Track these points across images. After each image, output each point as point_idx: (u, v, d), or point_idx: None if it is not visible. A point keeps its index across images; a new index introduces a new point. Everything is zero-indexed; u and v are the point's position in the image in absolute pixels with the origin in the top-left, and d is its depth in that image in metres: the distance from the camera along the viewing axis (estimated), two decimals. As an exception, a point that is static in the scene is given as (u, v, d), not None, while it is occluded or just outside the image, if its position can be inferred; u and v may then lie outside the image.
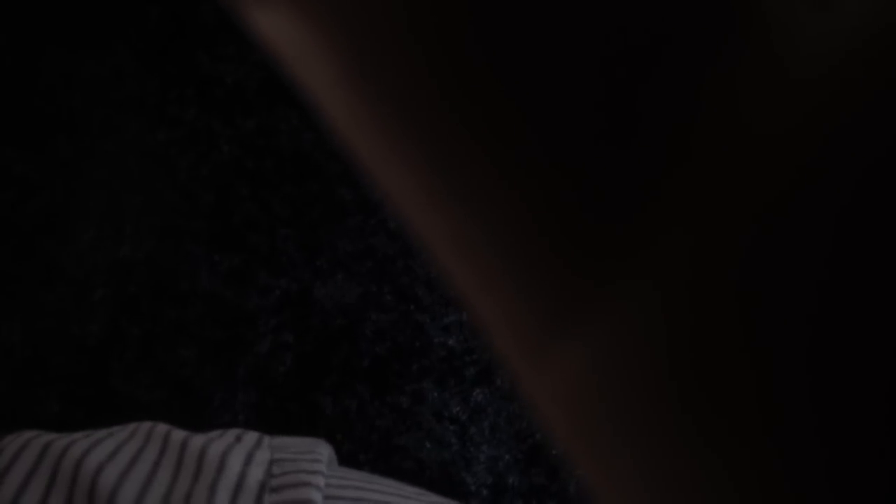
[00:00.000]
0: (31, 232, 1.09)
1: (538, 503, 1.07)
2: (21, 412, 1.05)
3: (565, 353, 0.13)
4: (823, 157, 0.11)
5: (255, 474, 0.39)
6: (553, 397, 0.13)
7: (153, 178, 1.11)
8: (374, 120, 0.13)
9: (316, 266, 1.10)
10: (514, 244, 0.13)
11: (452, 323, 1.09)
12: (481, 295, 0.14)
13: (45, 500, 0.38)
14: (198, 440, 0.40)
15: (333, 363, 1.09)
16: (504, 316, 0.14)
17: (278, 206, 1.11)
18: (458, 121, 0.13)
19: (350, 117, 0.14)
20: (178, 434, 0.40)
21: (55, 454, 0.39)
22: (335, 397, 1.08)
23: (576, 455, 0.14)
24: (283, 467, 0.39)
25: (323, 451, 0.40)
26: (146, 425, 0.41)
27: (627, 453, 0.13)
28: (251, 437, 0.41)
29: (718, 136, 0.12)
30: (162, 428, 0.41)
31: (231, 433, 0.41)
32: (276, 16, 0.14)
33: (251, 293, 1.09)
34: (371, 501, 0.39)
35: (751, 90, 0.11)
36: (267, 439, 0.41)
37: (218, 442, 0.40)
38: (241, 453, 0.39)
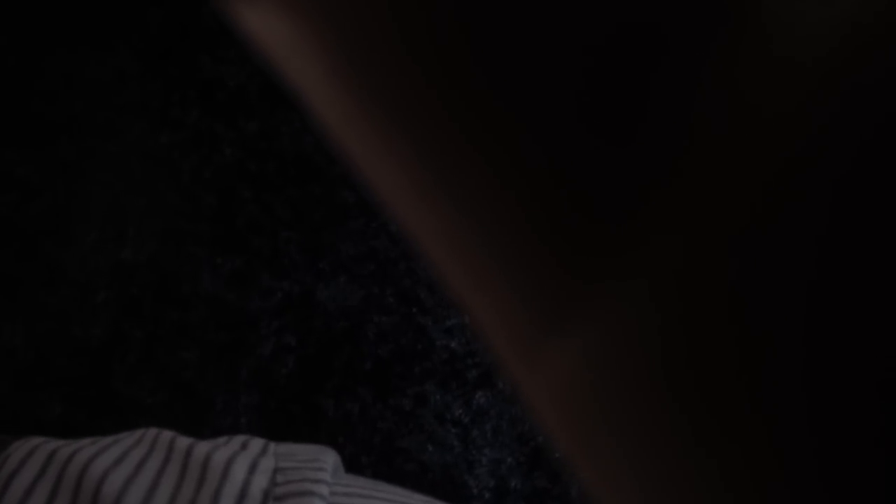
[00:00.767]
0: (34, 234, 1.09)
1: (540, 506, 1.07)
2: (23, 414, 1.05)
3: (559, 351, 0.13)
4: (818, 147, 0.11)
5: (259, 482, 0.39)
6: (547, 396, 0.13)
7: (155, 180, 1.11)
8: (365, 118, 0.13)
9: (318, 268, 1.11)
10: (507, 242, 0.13)
11: (455, 325, 1.09)
12: (475, 294, 0.14)
13: None
14: (203, 447, 0.40)
15: (335, 366, 1.09)
16: (498, 315, 0.14)
17: (280, 208, 1.12)
18: (451, 118, 0.13)
19: (341, 116, 0.14)
20: (183, 441, 0.40)
21: (61, 460, 0.39)
22: (337, 400, 1.08)
23: (570, 454, 0.14)
24: (287, 475, 0.39)
25: (328, 458, 0.40)
26: (152, 432, 0.41)
27: (621, 451, 0.13)
28: (256, 444, 0.41)
29: (715, 135, 0.11)
30: (167, 435, 0.41)
31: (237, 440, 0.41)
32: (265, 14, 0.14)
33: (253, 296, 1.09)
34: None
35: (748, 87, 0.11)
36: (272, 447, 0.41)
37: (223, 449, 0.40)
38: (246, 461, 0.39)
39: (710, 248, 0.12)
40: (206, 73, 1.13)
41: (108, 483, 0.38)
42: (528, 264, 0.13)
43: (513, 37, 0.12)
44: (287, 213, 1.11)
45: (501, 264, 0.13)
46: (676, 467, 0.12)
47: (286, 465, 0.40)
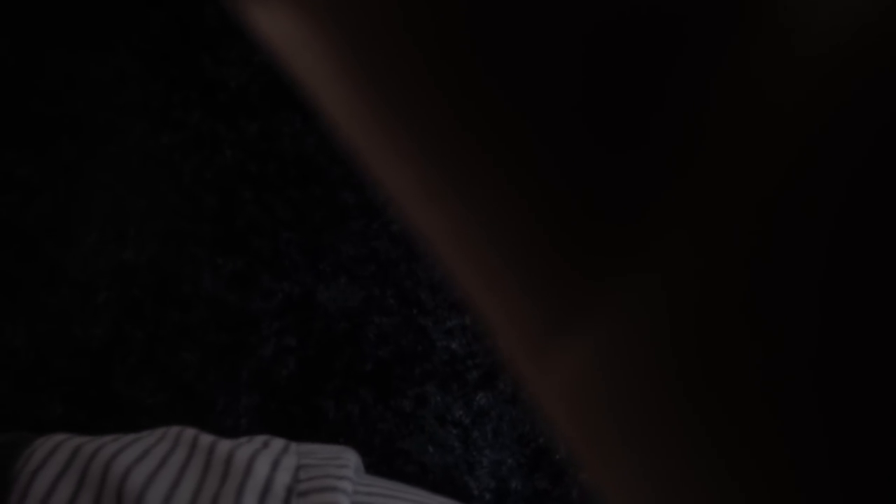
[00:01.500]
0: (35, 235, 1.09)
1: (540, 507, 1.07)
2: (24, 415, 1.05)
3: (569, 350, 0.13)
4: (831, 144, 0.11)
5: (283, 478, 0.39)
6: (557, 395, 0.13)
7: (156, 181, 1.11)
8: (374, 118, 0.13)
9: (319, 270, 1.11)
10: (516, 241, 0.13)
11: (455, 327, 1.10)
12: (484, 293, 0.14)
13: (74, 500, 0.38)
14: (225, 445, 0.40)
15: (336, 367, 1.09)
16: (507, 314, 0.14)
17: (281, 209, 1.12)
18: (460, 117, 0.13)
19: (350, 114, 0.14)
20: (206, 438, 0.40)
21: (85, 457, 0.39)
22: (338, 401, 1.08)
23: (580, 453, 0.14)
24: (310, 472, 0.39)
25: (350, 457, 0.40)
26: (174, 430, 0.41)
27: (631, 450, 0.13)
28: (278, 443, 0.41)
29: (725, 132, 0.11)
30: (190, 432, 0.41)
31: (258, 439, 0.41)
32: (274, 12, 0.14)
33: (254, 297, 1.09)
34: None
35: (761, 84, 0.11)
36: (294, 446, 0.41)
37: (245, 447, 0.40)
38: (269, 458, 0.39)
39: (721, 246, 0.12)
40: (207, 74, 1.13)
41: (131, 478, 0.38)
42: (538, 263, 0.13)
43: (523, 33, 0.12)
44: (288, 214, 1.11)
45: (511, 263, 0.13)
46: (687, 466, 0.12)
47: (309, 462, 0.40)
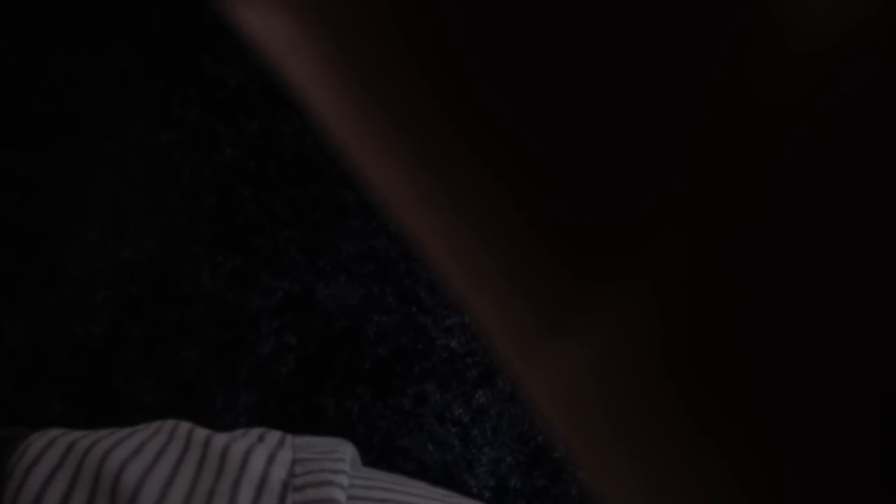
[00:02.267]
0: (34, 233, 1.09)
1: (540, 505, 1.07)
2: (23, 413, 1.05)
3: (562, 351, 0.13)
4: (824, 144, 0.11)
5: (278, 473, 0.39)
6: (551, 396, 0.13)
7: (156, 179, 1.11)
8: (365, 118, 0.13)
9: (318, 268, 1.11)
10: (508, 243, 0.13)
11: (455, 325, 1.10)
12: (477, 294, 0.14)
13: (68, 495, 0.38)
14: (220, 439, 0.40)
15: (335, 365, 1.09)
16: (500, 315, 0.14)
17: (280, 207, 1.12)
18: (451, 118, 0.13)
19: (340, 116, 0.14)
20: (201, 433, 0.40)
21: (80, 451, 0.39)
22: (337, 399, 1.08)
23: (575, 453, 0.14)
24: (306, 466, 0.39)
25: (346, 450, 0.40)
26: (169, 423, 0.41)
27: (625, 450, 0.13)
28: (274, 436, 0.41)
29: (719, 136, 0.11)
30: (185, 426, 0.41)
31: (254, 433, 0.41)
32: (264, 14, 0.13)
33: (253, 295, 1.09)
34: (397, 503, 0.39)
35: (756, 84, 0.11)
36: (290, 439, 0.41)
37: (241, 441, 0.40)
38: (264, 452, 0.39)
39: (714, 248, 0.12)
40: (206, 73, 1.13)
41: (126, 473, 0.38)
42: (531, 264, 0.13)
43: (514, 33, 0.12)
44: (287, 212, 1.11)
45: (503, 265, 0.13)
46: (680, 466, 0.12)
47: (304, 456, 0.40)
